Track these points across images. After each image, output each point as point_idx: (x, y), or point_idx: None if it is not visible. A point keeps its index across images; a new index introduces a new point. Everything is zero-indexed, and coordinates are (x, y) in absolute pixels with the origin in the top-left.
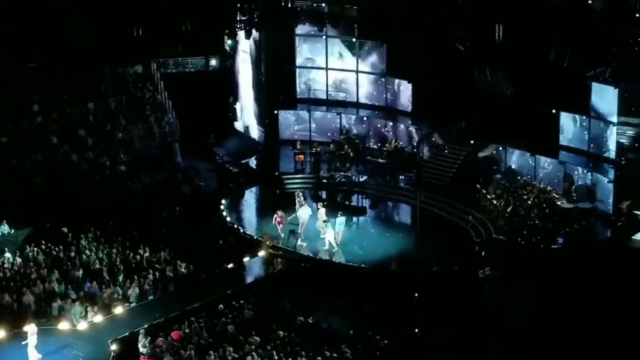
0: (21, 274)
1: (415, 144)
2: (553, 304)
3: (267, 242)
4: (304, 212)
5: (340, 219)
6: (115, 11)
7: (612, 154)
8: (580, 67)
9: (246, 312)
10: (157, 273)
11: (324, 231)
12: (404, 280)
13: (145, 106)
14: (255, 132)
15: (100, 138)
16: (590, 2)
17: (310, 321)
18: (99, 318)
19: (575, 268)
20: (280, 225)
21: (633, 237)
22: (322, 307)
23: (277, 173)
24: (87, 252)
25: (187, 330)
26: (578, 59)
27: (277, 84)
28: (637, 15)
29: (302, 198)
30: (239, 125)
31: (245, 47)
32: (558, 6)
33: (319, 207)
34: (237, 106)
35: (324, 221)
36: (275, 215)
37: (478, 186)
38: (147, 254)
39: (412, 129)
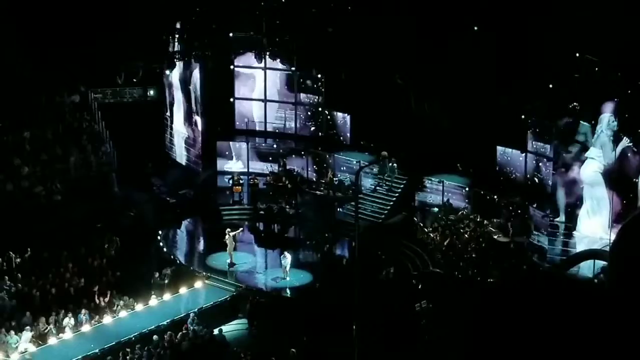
0: None
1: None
2: (489, 339)
3: None
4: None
5: (287, 256)
6: (54, 39)
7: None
8: (517, 102)
9: (183, 344)
10: (92, 304)
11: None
12: (340, 312)
13: (82, 136)
14: (186, 162)
15: (36, 167)
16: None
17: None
18: (33, 348)
19: (512, 302)
20: None
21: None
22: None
23: (214, 204)
24: (22, 281)
25: None
26: (515, 95)
27: (216, 115)
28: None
29: (234, 234)
30: (177, 156)
31: (183, 77)
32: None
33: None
34: (173, 136)
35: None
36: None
37: (415, 219)
38: (82, 284)
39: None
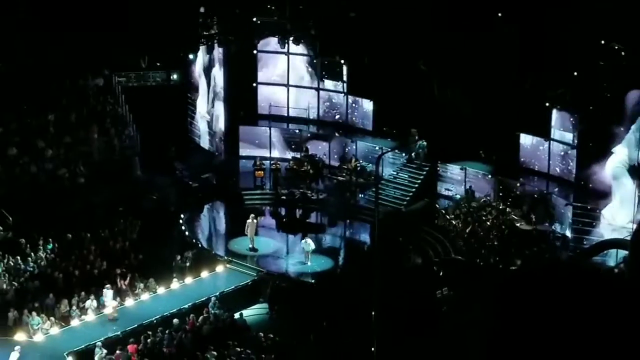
0: None
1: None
2: (510, 326)
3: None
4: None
5: (309, 242)
6: (77, 23)
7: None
8: (540, 90)
9: (204, 327)
10: (114, 286)
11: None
12: (361, 297)
13: (105, 119)
14: (209, 146)
15: (60, 150)
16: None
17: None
18: (55, 330)
19: (533, 289)
20: None
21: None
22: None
23: (237, 188)
24: (45, 263)
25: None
26: (538, 82)
27: (239, 100)
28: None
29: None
30: (201, 141)
31: (205, 61)
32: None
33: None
34: (196, 120)
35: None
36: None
37: (437, 206)
38: (105, 267)
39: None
